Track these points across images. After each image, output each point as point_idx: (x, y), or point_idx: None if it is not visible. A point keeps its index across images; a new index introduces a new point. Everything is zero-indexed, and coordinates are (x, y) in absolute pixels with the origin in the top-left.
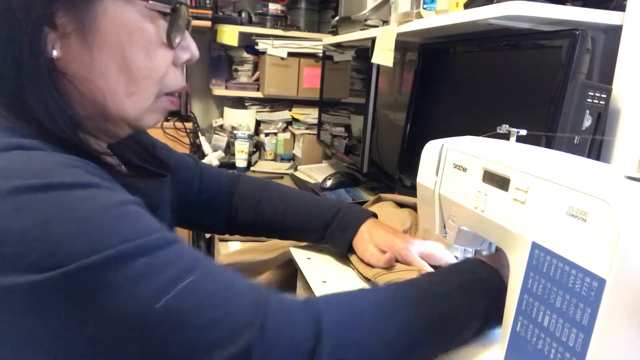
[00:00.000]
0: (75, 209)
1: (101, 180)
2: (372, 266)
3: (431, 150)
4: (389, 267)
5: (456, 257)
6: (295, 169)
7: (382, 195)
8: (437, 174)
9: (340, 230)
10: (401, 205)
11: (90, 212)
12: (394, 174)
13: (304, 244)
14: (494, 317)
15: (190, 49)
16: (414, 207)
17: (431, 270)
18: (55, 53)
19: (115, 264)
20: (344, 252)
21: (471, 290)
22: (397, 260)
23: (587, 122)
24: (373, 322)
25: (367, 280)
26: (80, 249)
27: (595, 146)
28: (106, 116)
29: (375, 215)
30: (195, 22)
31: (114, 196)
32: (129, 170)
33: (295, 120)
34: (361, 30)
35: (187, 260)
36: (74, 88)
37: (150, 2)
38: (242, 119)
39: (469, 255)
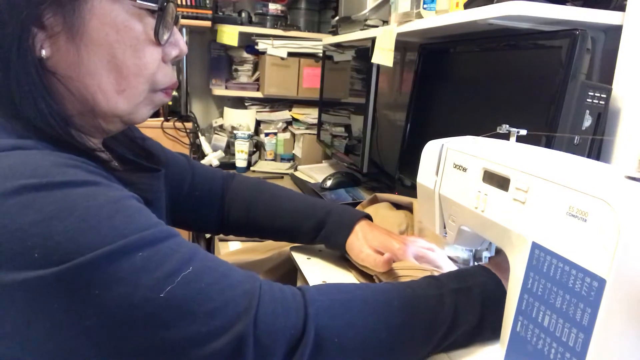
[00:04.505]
0: (76, 206)
1: (99, 178)
2: (369, 268)
3: (431, 150)
4: (388, 269)
5: (451, 258)
6: (295, 169)
7: (378, 195)
8: (437, 174)
9: (333, 232)
10: (397, 206)
11: (91, 209)
12: (394, 174)
13: None
14: (489, 326)
15: (178, 45)
16: (409, 208)
17: (432, 270)
18: (44, 53)
19: (116, 258)
20: (340, 252)
21: (463, 297)
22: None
23: (587, 122)
24: (356, 316)
25: (370, 277)
26: (81, 245)
27: (595, 146)
28: (97, 113)
29: (368, 217)
30: (195, 22)
31: (112, 192)
32: (123, 166)
33: (295, 120)
34: (361, 30)
35: (185, 252)
36: (64, 87)
37: (138, 0)
38: (242, 119)
39: (470, 255)
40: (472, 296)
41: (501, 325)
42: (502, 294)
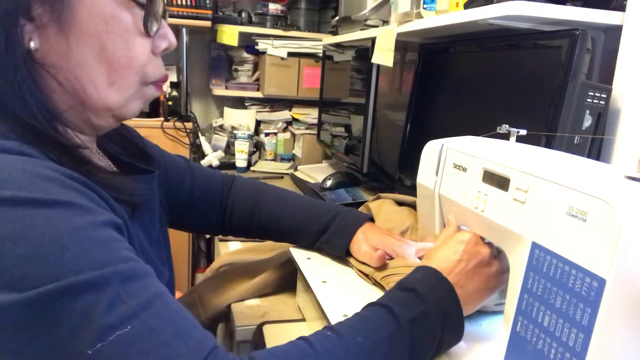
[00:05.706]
0: (31, 230)
1: (73, 195)
2: (367, 264)
3: (431, 150)
4: (383, 265)
5: None
6: (295, 169)
7: (382, 195)
8: (437, 174)
9: (337, 234)
10: (400, 204)
11: (46, 237)
12: (394, 174)
13: None
14: (446, 344)
15: (167, 37)
16: (413, 206)
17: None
18: (32, 44)
19: (58, 298)
20: (341, 255)
21: (419, 326)
22: (392, 258)
23: (587, 122)
24: None
25: (366, 276)
26: (27, 276)
27: (595, 146)
28: (88, 106)
29: (372, 219)
30: (195, 22)
31: (78, 218)
32: (117, 167)
33: (295, 120)
34: (361, 30)
35: (133, 304)
36: (54, 79)
37: None
38: (242, 119)
39: None
40: (429, 321)
41: (456, 339)
42: (457, 307)
